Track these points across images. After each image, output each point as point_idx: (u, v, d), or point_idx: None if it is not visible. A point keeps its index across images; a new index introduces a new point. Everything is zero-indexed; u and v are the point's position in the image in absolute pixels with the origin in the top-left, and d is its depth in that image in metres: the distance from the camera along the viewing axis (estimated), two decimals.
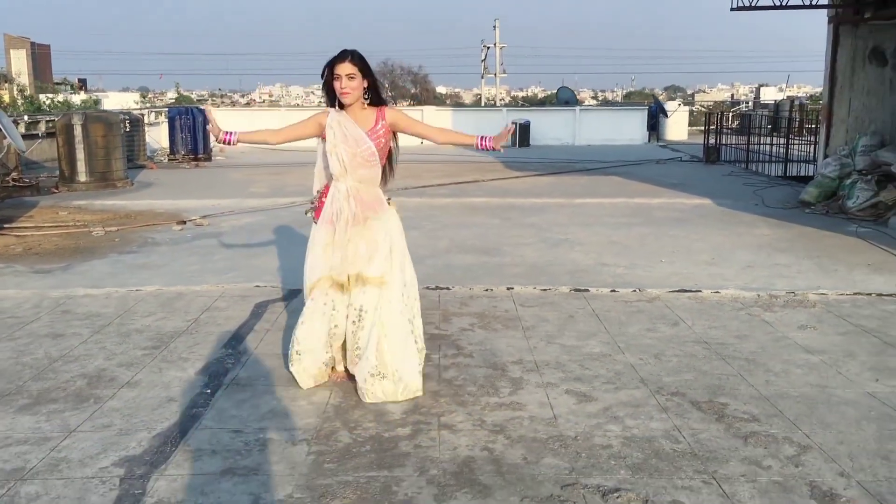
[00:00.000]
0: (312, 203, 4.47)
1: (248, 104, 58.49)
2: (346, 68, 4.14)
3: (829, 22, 11.80)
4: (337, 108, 4.29)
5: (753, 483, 3.40)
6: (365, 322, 4.28)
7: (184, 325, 5.67)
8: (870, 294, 6.53)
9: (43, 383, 4.55)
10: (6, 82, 37.45)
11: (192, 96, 74.94)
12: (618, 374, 4.75)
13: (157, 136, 20.06)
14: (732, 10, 11.04)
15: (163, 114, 21.46)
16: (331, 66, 4.18)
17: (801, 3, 11.44)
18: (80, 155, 12.86)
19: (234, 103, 63.60)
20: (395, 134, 4.42)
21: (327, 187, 4.38)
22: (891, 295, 6.50)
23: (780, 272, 7.36)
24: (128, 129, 15.89)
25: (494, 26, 54.17)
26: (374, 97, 4.29)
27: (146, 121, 19.25)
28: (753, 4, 10.99)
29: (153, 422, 4.02)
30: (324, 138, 4.31)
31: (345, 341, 4.42)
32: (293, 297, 6.45)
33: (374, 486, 3.37)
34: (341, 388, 4.48)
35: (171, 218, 10.46)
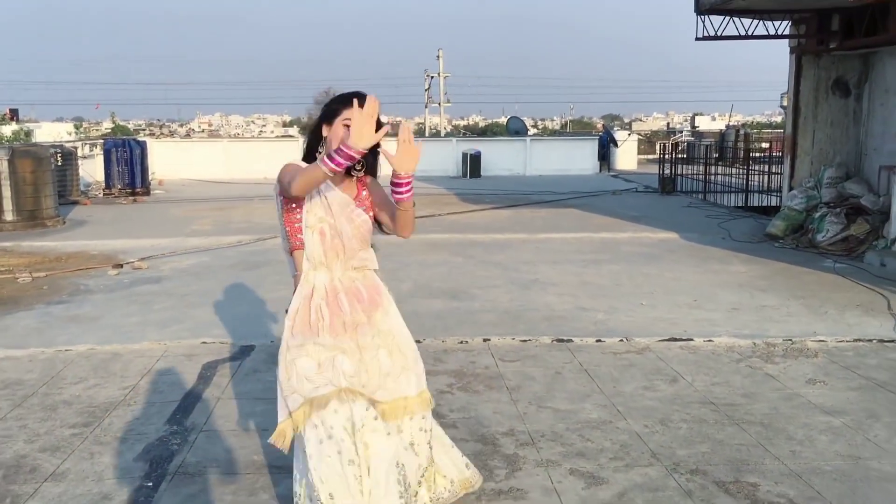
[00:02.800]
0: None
1: (187, 135, 57.12)
2: None
3: (792, 52, 11.60)
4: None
5: None
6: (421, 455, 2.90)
7: (120, 395, 4.92)
8: (871, 340, 6.11)
9: None
10: None
11: (130, 126, 73.04)
12: (624, 446, 4.18)
13: (92, 169, 18.98)
14: (697, 39, 10.75)
15: (98, 146, 20.41)
16: (339, 105, 2.77)
17: (766, 34, 11.22)
18: (7, 192, 11.86)
19: (172, 133, 62.17)
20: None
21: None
22: (892, 341, 6.09)
23: (769, 315, 6.92)
24: (59, 164, 14.91)
25: (438, 56, 54.10)
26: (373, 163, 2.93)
27: (80, 153, 18.18)
28: (718, 35, 10.72)
29: None
30: (291, 205, 2.82)
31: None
32: (245, 354, 5.74)
33: None
34: None
35: (106, 260, 9.62)
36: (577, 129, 65.12)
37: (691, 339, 6.14)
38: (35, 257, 9.88)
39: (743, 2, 9.64)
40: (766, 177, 15.78)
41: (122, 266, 9.18)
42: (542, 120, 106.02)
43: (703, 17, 10.55)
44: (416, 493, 2.86)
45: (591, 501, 3.56)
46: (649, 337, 6.20)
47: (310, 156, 2.83)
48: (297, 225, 2.81)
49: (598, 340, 6.13)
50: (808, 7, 10.25)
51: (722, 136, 29.75)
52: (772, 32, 11.29)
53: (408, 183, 2.65)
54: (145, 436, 4.28)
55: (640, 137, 37.87)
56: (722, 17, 10.65)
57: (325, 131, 2.78)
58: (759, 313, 6.99)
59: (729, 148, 24.41)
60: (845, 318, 6.84)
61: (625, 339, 6.15)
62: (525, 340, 6.15)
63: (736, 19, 10.68)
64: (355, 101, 2.58)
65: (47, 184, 12.42)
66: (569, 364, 5.58)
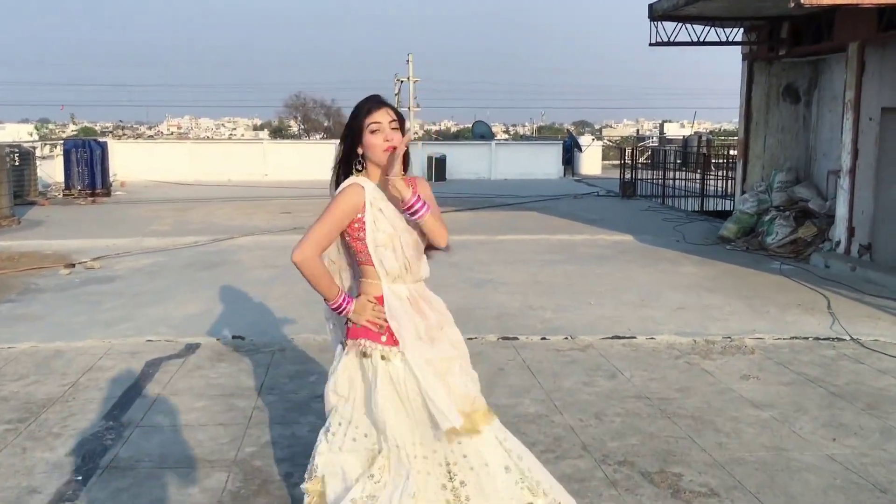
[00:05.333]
0: (347, 324, 2.84)
1: (151, 136, 56.73)
2: (387, 115, 2.76)
3: (744, 59, 11.84)
4: (357, 176, 2.81)
5: None
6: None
7: (59, 391, 4.91)
8: (807, 338, 6.27)
9: None
10: None
11: (97, 128, 72.25)
12: (557, 439, 4.27)
13: (51, 170, 18.83)
14: (651, 45, 10.92)
15: (58, 146, 20.22)
16: (366, 113, 2.76)
17: (718, 40, 11.43)
18: None
19: (139, 136, 61.66)
20: None
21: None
22: (828, 339, 6.25)
23: (711, 314, 7.06)
24: (17, 164, 14.76)
25: (408, 60, 54.12)
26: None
27: (39, 154, 18.03)
28: (671, 41, 10.90)
29: None
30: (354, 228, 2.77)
31: None
32: (190, 351, 5.76)
33: None
34: (241, 468, 3.84)
35: (59, 260, 9.55)
36: (549, 134, 65.41)
37: (634, 337, 6.26)
38: None
39: (694, 9, 9.82)
40: (723, 182, 16.03)
41: (74, 266, 9.12)
42: (514, 126, 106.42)
43: (656, 23, 10.72)
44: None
45: None
46: (593, 335, 6.31)
47: (346, 165, 2.83)
48: (360, 235, 2.74)
49: (542, 338, 6.23)
50: (758, 15, 10.46)
51: (685, 142, 30.13)
52: (724, 39, 11.50)
53: (412, 206, 2.69)
54: (80, 431, 4.29)
55: (610, 144, 38.26)
56: (675, 24, 10.83)
57: (360, 148, 2.77)
58: (702, 312, 7.13)
59: (692, 153, 24.77)
60: (785, 317, 7.00)
61: (569, 337, 6.24)
62: (472, 338, 6.20)
63: (688, 26, 10.86)
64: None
65: (2, 183, 12.31)
66: (512, 361, 5.66)
